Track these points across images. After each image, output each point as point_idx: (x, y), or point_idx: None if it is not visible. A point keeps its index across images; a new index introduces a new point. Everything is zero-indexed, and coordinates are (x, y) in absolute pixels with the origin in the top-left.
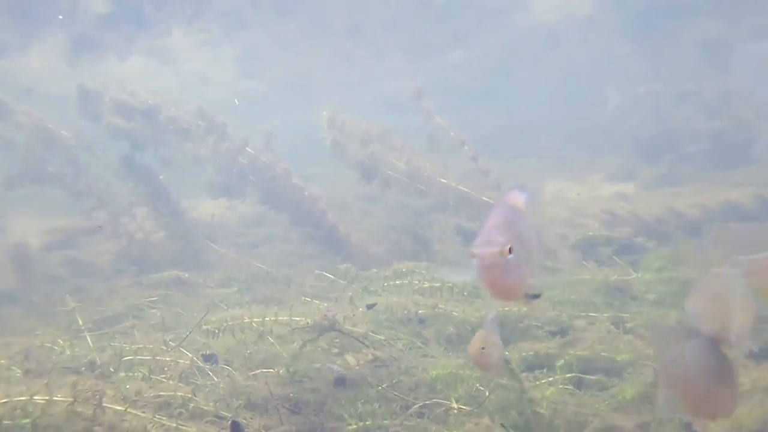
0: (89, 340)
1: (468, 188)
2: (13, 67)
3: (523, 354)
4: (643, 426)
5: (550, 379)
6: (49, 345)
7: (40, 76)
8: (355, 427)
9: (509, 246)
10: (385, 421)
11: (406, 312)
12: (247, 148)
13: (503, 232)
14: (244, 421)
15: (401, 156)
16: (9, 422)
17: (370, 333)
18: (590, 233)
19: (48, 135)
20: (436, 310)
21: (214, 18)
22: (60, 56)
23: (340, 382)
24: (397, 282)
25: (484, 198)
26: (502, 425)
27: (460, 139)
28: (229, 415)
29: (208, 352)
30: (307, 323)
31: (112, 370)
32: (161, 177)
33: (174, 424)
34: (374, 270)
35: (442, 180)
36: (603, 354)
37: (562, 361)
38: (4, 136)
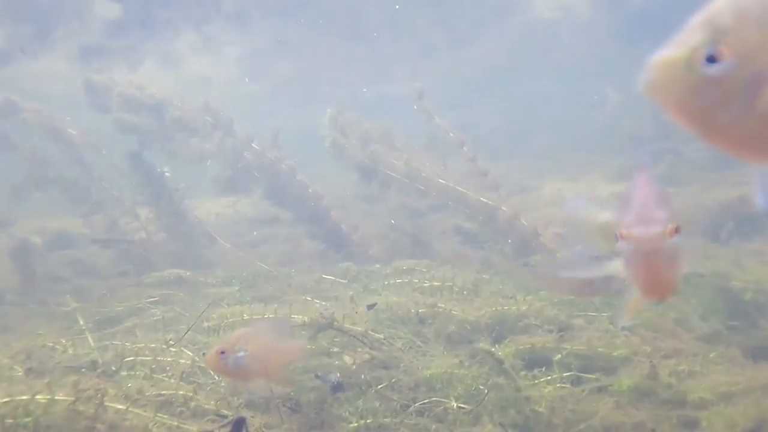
0: (90, 340)
1: (466, 189)
2: (20, 71)
3: (520, 347)
4: (641, 423)
5: (549, 377)
6: (51, 344)
7: (46, 77)
8: (355, 425)
9: (675, 226)
10: (385, 420)
11: (406, 311)
12: (252, 144)
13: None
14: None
15: (401, 156)
16: (11, 421)
17: (370, 332)
18: None
19: (55, 134)
20: (436, 309)
21: (221, 20)
22: (69, 60)
23: (338, 389)
24: (398, 281)
25: (482, 199)
26: (500, 425)
27: (460, 140)
28: (230, 414)
29: None
30: (304, 321)
31: (113, 369)
32: (166, 174)
33: (175, 423)
34: (377, 265)
35: (441, 180)
36: (600, 350)
37: (559, 355)
38: (10, 138)
